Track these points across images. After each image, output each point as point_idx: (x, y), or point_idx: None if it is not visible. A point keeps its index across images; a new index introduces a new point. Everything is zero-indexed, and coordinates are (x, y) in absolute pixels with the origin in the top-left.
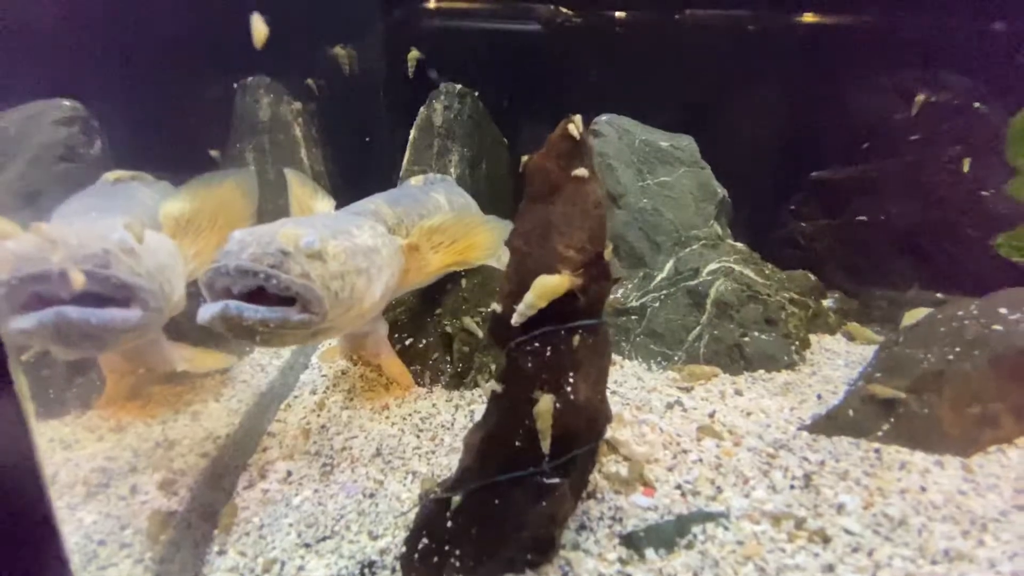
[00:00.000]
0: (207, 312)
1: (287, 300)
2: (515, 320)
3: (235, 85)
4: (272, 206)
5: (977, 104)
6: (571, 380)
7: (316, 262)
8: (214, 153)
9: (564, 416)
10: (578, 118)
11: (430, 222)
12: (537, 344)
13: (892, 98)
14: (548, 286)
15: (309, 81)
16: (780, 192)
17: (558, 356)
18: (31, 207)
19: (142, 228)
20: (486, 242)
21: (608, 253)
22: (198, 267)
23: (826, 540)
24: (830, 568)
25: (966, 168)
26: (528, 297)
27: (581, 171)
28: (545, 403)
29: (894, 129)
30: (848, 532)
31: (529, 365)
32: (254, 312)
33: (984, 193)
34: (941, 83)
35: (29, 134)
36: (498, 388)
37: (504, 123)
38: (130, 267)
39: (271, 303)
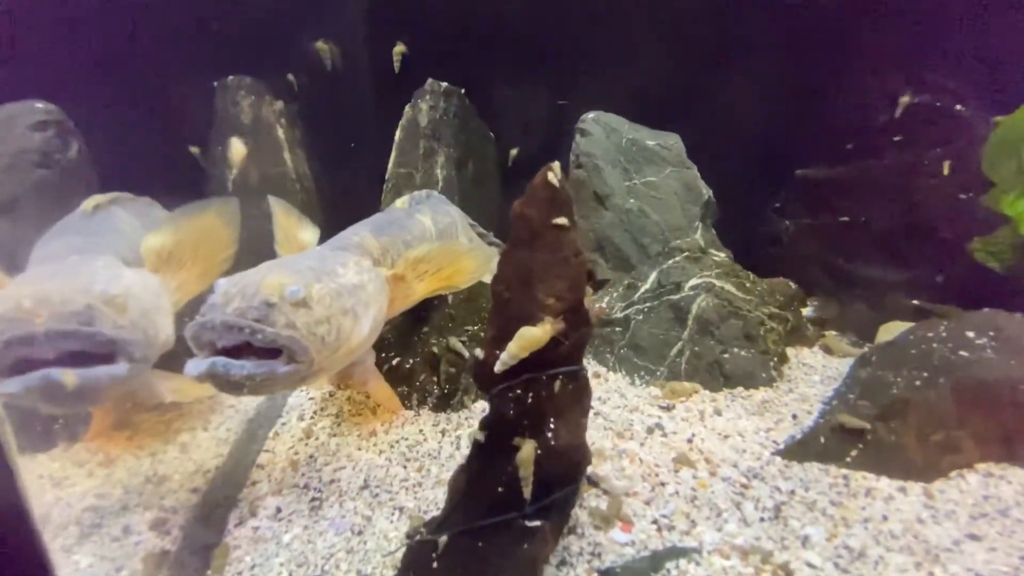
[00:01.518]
0: (195, 369)
1: (274, 349)
2: (497, 368)
3: (214, 84)
4: (257, 211)
5: (959, 107)
6: (552, 426)
7: (301, 310)
8: (194, 150)
9: (545, 461)
10: (556, 165)
11: (415, 252)
12: (519, 390)
13: (877, 98)
14: (531, 338)
15: (290, 77)
16: (766, 190)
17: (539, 402)
18: (7, 216)
19: (125, 300)
20: (471, 268)
21: (588, 300)
22: (181, 299)
23: (789, 574)
24: None
25: (947, 171)
26: (511, 347)
27: (561, 220)
28: (527, 451)
29: (878, 130)
30: (810, 566)
31: (511, 412)
32: (240, 369)
33: (963, 197)
34: (925, 84)
35: (2, 140)
36: (480, 437)
37: (491, 113)
38: (114, 321)
39: (258, 352)
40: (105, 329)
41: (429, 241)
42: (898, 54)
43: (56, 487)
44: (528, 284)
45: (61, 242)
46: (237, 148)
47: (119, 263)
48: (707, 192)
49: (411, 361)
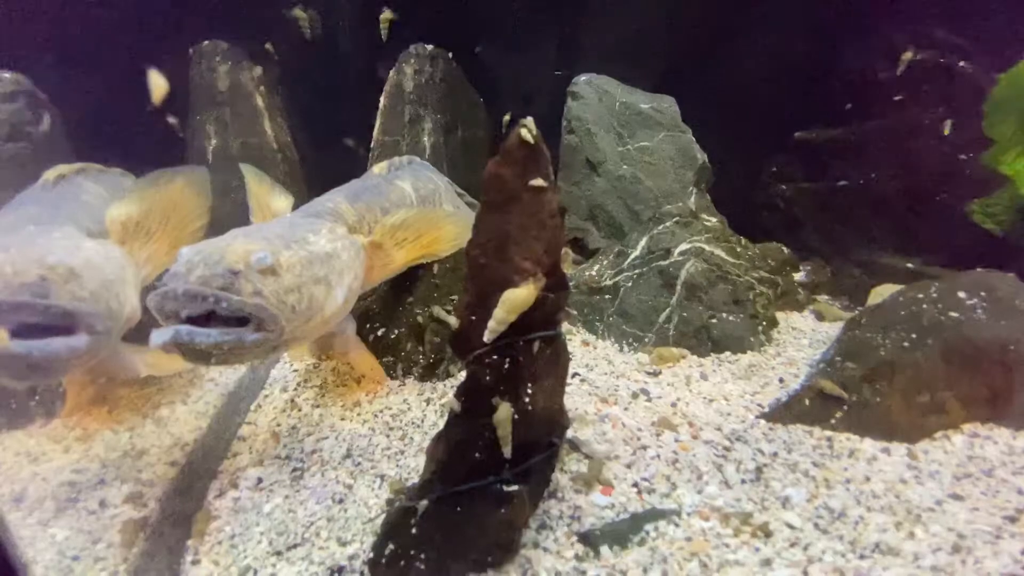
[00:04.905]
0: (159, 338)
1: (242, 319)
2: (487, 337)
3: (190, 51)
4: (239, 182)
5: (962, 63)
6: (529, 390)
7: (269, 277)
8: (172, 120)
9: (522, 426)
10: (530, 121)
11: (392, 219)
12: (495, 356)
13: (878, 57)
14: (517, 300)
15: (268, 46)
16: (762, 154)
17: (516, 367)
18: None
19: (83, 271)
20: (451, 235)
21: (568, 266)
22: (152, 272)
23: (768, 535)
24: (768, 563)
25: (947, 131)
26: (498, 313)
27: (538, 181)
28: (504, 411)
29: (879, 89)
30: (789, 526)
31: (488, 378)
32: (206, 336)
33: (963, 157)
34: (928, 39)
35: None
36: (457, 407)
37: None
38: (71, 292)
39: (226, 322)
40: (61, 301)
41: (409, 208)
42: (900, 9)
43: (33, 463)
44: (504, 248)
45: (19, 213)
46: (157, 83)
47: (79, 234)
48: (702, 157)
49: (396, 331)
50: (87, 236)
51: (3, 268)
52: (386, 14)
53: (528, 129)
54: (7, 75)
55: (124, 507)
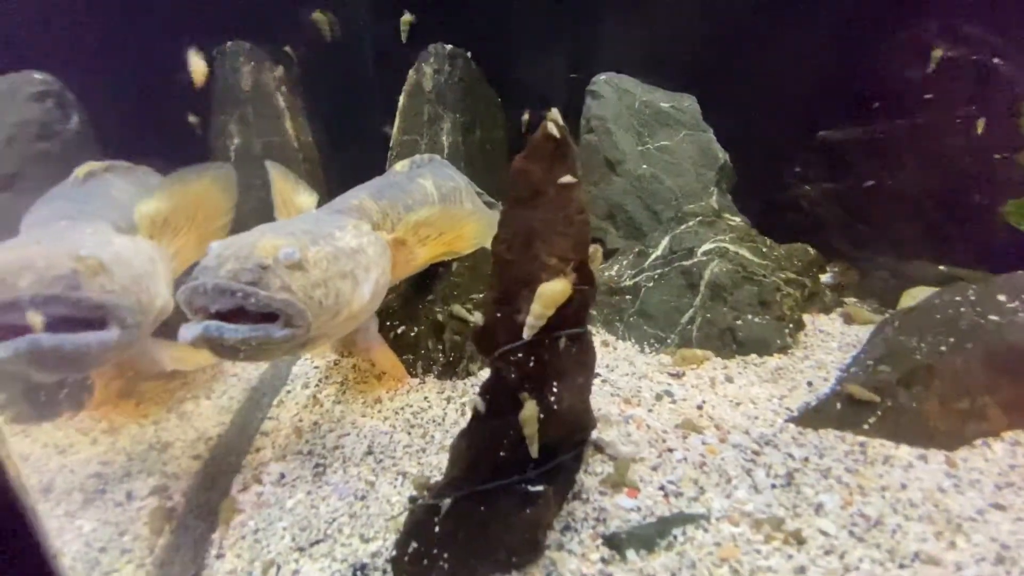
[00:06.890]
0: (188, 333)
1: (270, 314)
2: (526, 334)
3: (214, 52)
4: (260, 181)
5: (996, 60)
6: (555, 389)
7: (297, 272)
8: (193, 119)
9: (547, 425)
10: (555, 112)
11: (416, 216)
12: (521, 354)
13: (907, 54)
14: (553, 294)
15: (287, 48)
16: (785, 153)
17: (542, 365)
18: (9, 191)
19: (113, 265)
20: (473, 232)
21: (597, 261)
22: (179, 266)
23: (801, 542)
24: (802, 570)
25: (980, 130)
26: (535, 308)
27: (565, 177)
28: (530, 409)
29: (908, 87)
30: (824, 533)
31: (513, 375)
32: (235, 332)
33: (997, 157)
34: (959, 36)
35: (1, 112)
36: (481, 407)
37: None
38: (102, 285)
39: (254, 316)
40: (92, 294)
41: (431, 205)
42: (931, 4)
43: (61, 455)
44: (530, 244)
45: (50, 208)
46: (197, 64)
47: (109, 229)
48: (723, 156)
49: (416, 329)
50: (116, 231)
51: (35, 261)
52: (406, 17)
53: (555, 122)
54: (37, 76)
55: (150, 499)
